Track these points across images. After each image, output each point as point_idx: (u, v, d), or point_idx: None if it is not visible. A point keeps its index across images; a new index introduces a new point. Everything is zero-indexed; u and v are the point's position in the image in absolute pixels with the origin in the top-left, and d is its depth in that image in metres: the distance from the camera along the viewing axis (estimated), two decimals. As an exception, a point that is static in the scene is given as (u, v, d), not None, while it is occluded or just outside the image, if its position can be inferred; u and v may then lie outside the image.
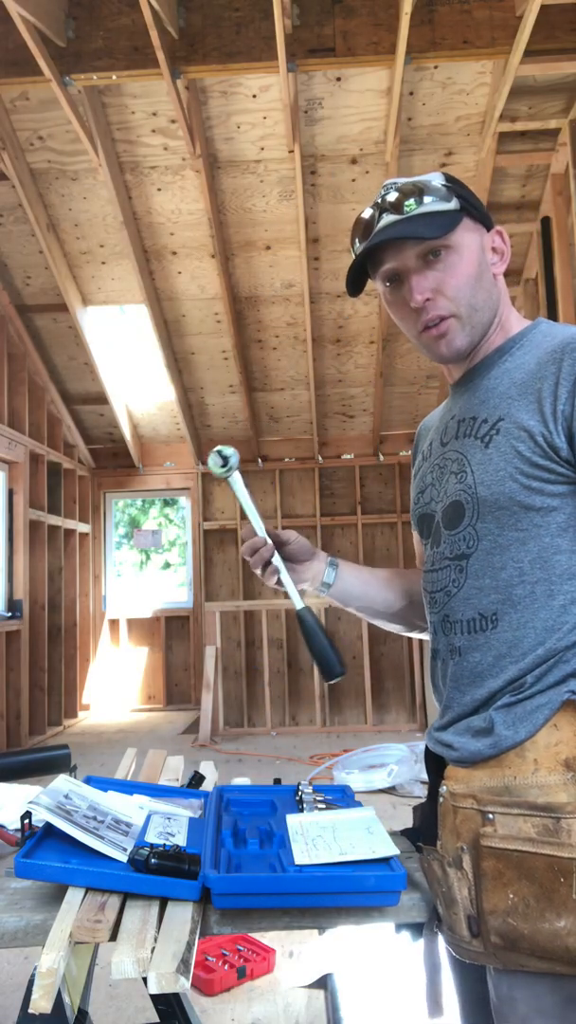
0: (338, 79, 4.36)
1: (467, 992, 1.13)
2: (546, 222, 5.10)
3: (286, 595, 1.22)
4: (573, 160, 4.46)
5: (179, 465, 7.46)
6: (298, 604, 1.20)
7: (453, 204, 1.07)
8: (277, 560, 1.20)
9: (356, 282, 1.14)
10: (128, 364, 6.60)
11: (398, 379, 6.56)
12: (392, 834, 1.19)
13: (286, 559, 1.22)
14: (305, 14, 4.07)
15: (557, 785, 0.93)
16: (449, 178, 1.11)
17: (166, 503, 11.79)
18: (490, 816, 0.95)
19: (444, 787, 1.03)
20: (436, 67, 4.27)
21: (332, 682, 1.06)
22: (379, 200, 1.10)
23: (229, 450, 1.21)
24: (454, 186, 1.10)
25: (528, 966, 0.92)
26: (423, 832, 1.14)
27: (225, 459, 1.21)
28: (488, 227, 1.11)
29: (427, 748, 1.12)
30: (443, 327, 1.08)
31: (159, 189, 5.01)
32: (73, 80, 4.08)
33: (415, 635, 1.35)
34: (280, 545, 1.22)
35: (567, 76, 4.27)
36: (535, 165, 4.92)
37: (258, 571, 1.22)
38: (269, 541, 1.20)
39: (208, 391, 6.73)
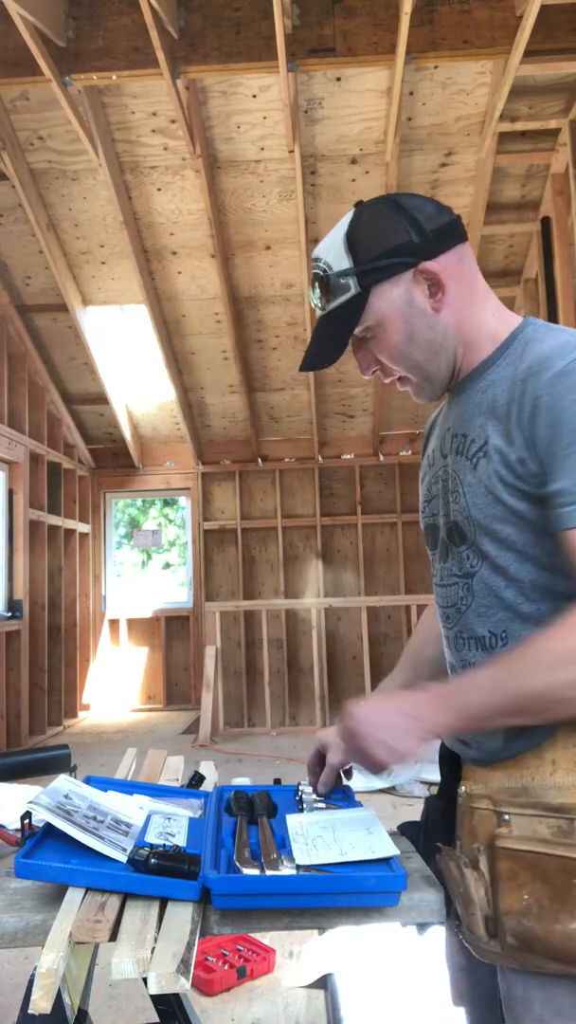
0: (338, 79, 4.36)
1: (476, 988, 1.13)
2: (546, 222, 5.10)
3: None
4: (573, 160, 4.46)
5: (179, 465, 7.46)
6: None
7: (352, 290, 1.06)
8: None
9: None
10: (128, 364, 6.60)
11: (398, 379, 6.57)
12: (392, 834, 1.19)
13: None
14: (305, 14, 4.07)
15: (573, 786, 0.93)
16: (351, 239, 1.06)
17: (166, 503, 11.79)
18: (506, 817, 0.95)
19: (463, 788, 1.03)
20: (436, 67, 4.27)
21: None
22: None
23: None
24: (357, 252, 1.05)
25: (544, 968, 0.92)
26: (431, 828, 1.15)
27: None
28: (417, 257, 1.05)
29: (442, 744, 1.13)
30: (406, 384, 1.13)
31: (159, 189, 5.01)
32: (73, 80, 4.08)
33: None
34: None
35: (567, 76, 4.27)
36: (535, 165, 4.92)
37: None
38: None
39: (208, 391, 6.73)
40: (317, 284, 1.09)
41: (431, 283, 1.05)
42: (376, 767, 1.01)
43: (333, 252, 1.07)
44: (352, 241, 1.06)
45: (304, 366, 1.13)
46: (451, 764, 1.09)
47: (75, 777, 1.35)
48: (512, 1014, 0.97)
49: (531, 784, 0.95)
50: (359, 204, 1.10)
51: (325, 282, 1.08)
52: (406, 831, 1.24)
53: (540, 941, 0.91)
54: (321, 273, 1.09)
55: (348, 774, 1.34)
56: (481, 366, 1.07)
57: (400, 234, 1.05)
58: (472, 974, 1.14)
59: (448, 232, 1.07)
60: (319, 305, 1.11)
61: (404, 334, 1.07)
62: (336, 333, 1.08)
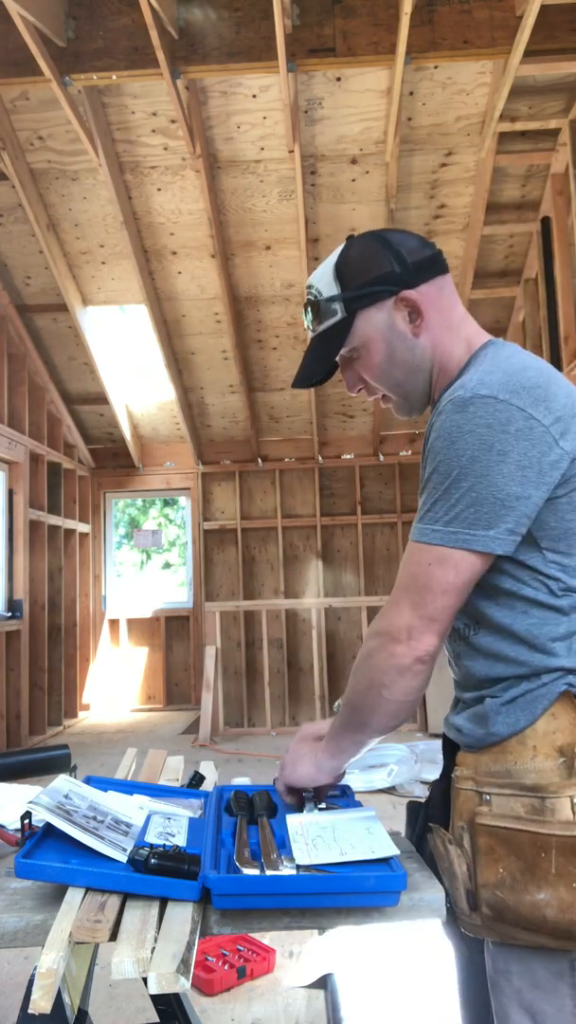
0: (338, 79, 4.36)
1: (465, 964, 1.21)
2: (546, 222, 5.10)
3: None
4: (573, 160, 4.46)
5: (179, 465, 7.46)
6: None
7: (339, 314, 1.16)
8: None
9: None
10: (128, 364, 6.60)
11: (398, 379, 6.56)
12: (392, 834, 1.20)
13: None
14: (305, 14, 4.07)
15: (550, 769, 1.01)
16: (339, 269, 1.17)
17: (166, 503, 11.79)
18: (486, 797, 1.03)
19: (454, 772, 1.10)
20: (436, 67, 4.27)
21: None
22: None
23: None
24: (344, 280, 1.16)
25: (518, 938, 0.99)
26: (431, 810, 1.21)
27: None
28: (399, 286, 1.14)
29: (444, 734, 1.20)
30: (387, 402, 1.25)
31: (159, 189, 5.01)
32: (73, 80, 4.08)
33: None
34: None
35: (567, 76, 4.27)
36: (535, 165, 4.92)
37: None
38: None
39: (208, 391, 6.73)
40: (309, 308, 1.21)
41: (411, 310, 1.15)
42: (284, 779, 1.26)
43: (324, 280, 1.19)
44: (341, 271, 1.17)
45: (295, 383, 1.24)
46: (453, 751, 1.15)
47: (75, 777, 1.35)
48: (495, 988, 1.03)
49: (513, 768, 1.03)
50: (350, 238, 1.22)
51: (316, 307, 1.19)
52: (411, 809, 1.30)
53: (511, 911, 0.98)
54: (313, 299, 1.20)
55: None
56: (446, 388, 1.15)
57: (384, 265, 1.15)
58: (459, 950, 1.21)
59: (429, 264, 1.17)
60: (311, 327, 1.22)
61: (385, 355, 1.17)
62: (325, 353, 1.20)
